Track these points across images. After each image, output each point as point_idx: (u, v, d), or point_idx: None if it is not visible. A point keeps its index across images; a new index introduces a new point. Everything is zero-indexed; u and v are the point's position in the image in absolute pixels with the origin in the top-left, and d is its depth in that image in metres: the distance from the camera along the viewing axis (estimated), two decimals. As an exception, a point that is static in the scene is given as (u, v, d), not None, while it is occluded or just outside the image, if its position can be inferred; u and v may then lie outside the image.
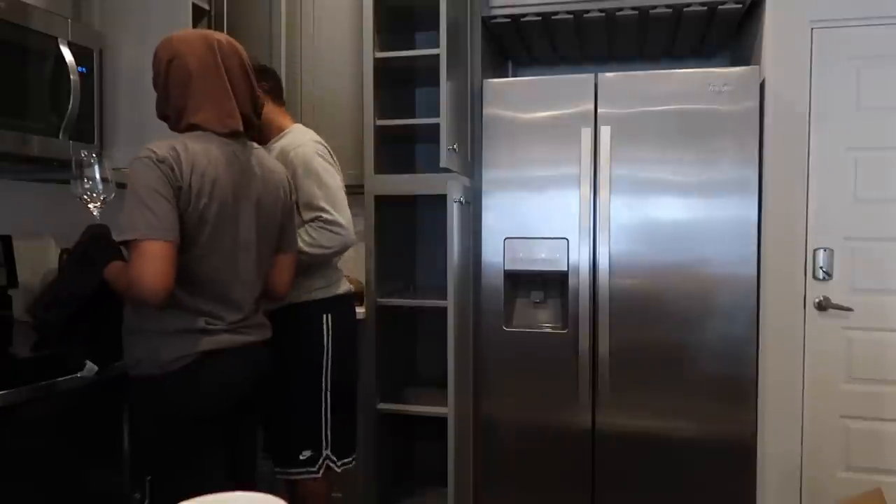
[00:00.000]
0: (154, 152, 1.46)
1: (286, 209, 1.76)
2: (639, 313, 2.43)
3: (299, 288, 2.00)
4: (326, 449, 2.06)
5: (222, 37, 1.64)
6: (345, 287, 2.17)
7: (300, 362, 2.03)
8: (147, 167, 1.45)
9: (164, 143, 1.50)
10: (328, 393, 2.04)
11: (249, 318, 1.66)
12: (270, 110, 2.06)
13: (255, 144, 1.75)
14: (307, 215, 1.99)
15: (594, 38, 2.82)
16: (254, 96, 1.67)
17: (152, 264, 1.41)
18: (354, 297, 2.24)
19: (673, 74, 2.41)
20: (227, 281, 1.59)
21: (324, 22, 2.80)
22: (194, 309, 1.55)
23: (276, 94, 2.16)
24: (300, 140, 2.05)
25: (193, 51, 1.57)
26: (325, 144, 2.12)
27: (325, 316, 2.04)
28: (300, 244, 1.91)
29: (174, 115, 1.61)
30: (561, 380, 2.50)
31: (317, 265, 2.05)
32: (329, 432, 2.06)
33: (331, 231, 1.98)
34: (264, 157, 1.74)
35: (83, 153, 1.88)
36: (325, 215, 1.98)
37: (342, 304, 2.12)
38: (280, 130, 2.12)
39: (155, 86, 1.64)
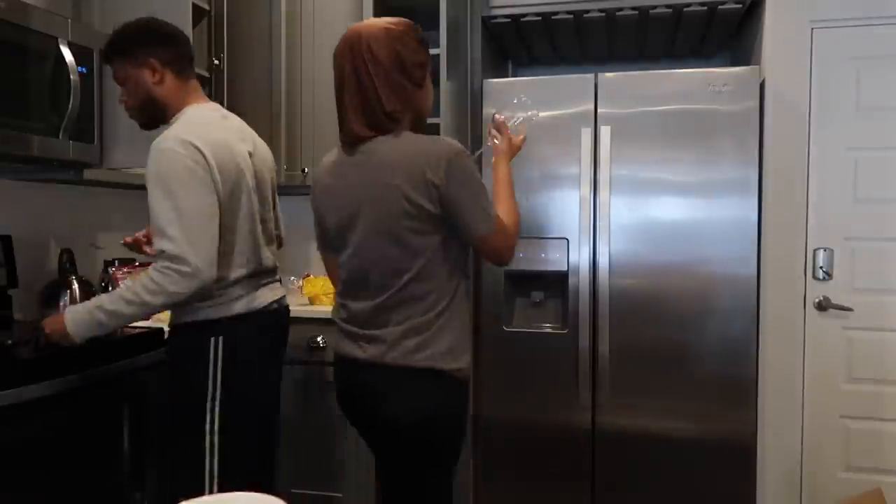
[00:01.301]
0: None
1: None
2: (639, 313, 2.43)
3: (184, 305, 1.62)
4: None
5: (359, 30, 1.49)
6: (259, 301, 1.72)
7: (174, 397, 1.69)
8: None
9: None
10: (215, 435, 1.64)
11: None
12: (170, 87, 1.69)
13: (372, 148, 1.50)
14: (154, 244, 1.57)
15: (594, 38, 2.82)
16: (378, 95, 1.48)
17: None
18: (283, 314, 1.84)
19: (673, 74, 2.41)
20: None
21: (324, 22, 2.80)
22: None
23: (177, 66, 1.71)
24: (173, 132, 1.60)
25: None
26: (222, 140, 1.64)
27: (212, 340, 1.63)
28: (140, 290, 1.53)
29: None
30: (561, 380, 2.50)
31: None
32: (216, 480, 1.64)
33: (176, 272, 1.51)
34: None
35: None
36: (168, 247, 1.52)
37: (246, 326, 1.68)
38: (177, 112, 1.71)
39: None
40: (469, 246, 1.54)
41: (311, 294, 2.78)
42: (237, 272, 1.68)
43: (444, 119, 2.21)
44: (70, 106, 2.06)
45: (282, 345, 1.86)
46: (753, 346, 2.39)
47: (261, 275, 1.76)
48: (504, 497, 2.57)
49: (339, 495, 2.64)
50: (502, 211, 1.58)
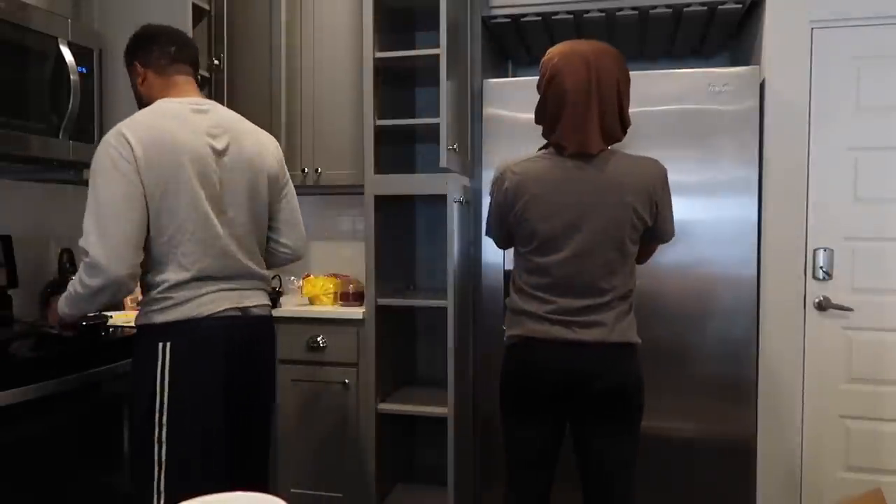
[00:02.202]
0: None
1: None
2: (638, 313, 2.42)
3: (141, 306, 1.67)
4: None
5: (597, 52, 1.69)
6: (209, 308, 1.64)
7: (131, 402, 1.68)
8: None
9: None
10: (163, 446, 1.59)
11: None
12: (151, 84, 1.75)
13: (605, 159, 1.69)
14: None
15: (594, 38, 2.82)
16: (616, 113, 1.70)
17: None
18: (249, 323, 1.74)
19: (673, 74, 2.41)
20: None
21: (324, 22, 2.80)
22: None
23: (157, 64, 1.74)
24: (120, 124, 1.61)
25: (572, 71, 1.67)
26: (164, 133, 1.60)
27: (160, 345, 1.60)
28: (74, 279, 1.58)
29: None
30: (561, 380, 2.49)
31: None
32: (162, 496, 1.59)
33: (86, 264, 1.52)
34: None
35: None
36: (81, 241, 1.53)
37: (194, 332, 1.62)
38: None
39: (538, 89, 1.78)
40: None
41: (311, 294, 2.78)
42: (180, 275, 1.61)
43: (443, 119, 2.21)
44: (70, 106, 2.06)
45: (250, 355, 1.73)
46: (753, 346, 2.38)
47: (221, 279, 1.67)
48: (504, 497, 2.57)
49: (340, 495, 2.64)
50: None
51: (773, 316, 2.41)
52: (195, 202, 1.61)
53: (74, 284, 1.56)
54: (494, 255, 2.56)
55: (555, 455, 1.81)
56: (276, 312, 2.64)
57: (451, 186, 2.32)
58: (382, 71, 2.64)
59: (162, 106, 1.67)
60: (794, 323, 2.40)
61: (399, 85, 2.90)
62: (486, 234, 1.92)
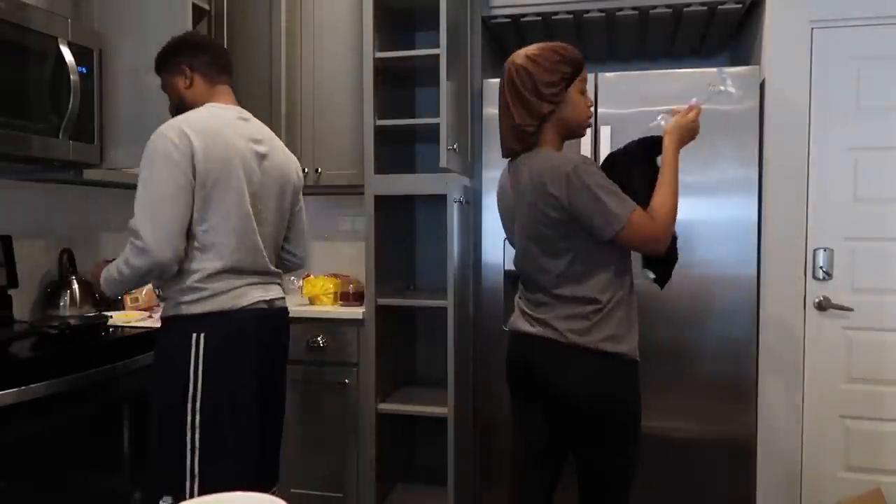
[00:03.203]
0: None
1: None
2: (639, 313, 2.42)
3: (170, 299, 1.73)
4: (194, 496, 1.63)
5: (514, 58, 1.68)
6: (245, 299, 1.73)
7: (158, 391, 1.71)
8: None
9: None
10: (196, 431, 1.65)
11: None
12: (198, 90, 1.84)
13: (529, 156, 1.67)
14: None
15: (594, 38, 2.82)
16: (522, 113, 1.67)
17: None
18: (276, 314, 1.85)
19: (673, 74, 2.41)
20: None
21: (324, 22, 2.80)
22: None
23: (206, 71, 1.85)
24: (175, 119, 1.71)
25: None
26: (218, 131, 1.71)
27: (193, 336, 1.66)
28: (119, 259, 1.66)
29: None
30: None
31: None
32: (196, 479, 1.65)
33: (134, 246, 1.61)
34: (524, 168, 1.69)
35: None
36: (132, 222, 1.62)
37: (229, 323, 1.70)
38: None
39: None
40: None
41: (311, 294, 2.78)
42: (216, 263, 1.69)
43: (444, 119, 2.21)
44: (70, 106, 2.06)
45: (274, 345, 1.85)
46: (753, 345, 2.39)
47: (251, 273, 1.77)
48: (503, 497, 2.57)
49: (340, 495, 2.64)
50: (656, 198, 1.61)
51: (773, 316, 2.40)
52: (241, 197, 1.72)
53: (120, 267, 1.64)
54: (494, 255, 2.56)
55: (550, 455, 1.75)
56: (276, 312, 2.65)
57: (451, 186, 2.32)
58: (382, 71, 2.64)
59: (212, 110, 1.78)
60: (794, 323, 2.40)
61: (399, 85, 2.90)
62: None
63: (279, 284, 1.91)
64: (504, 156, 1.75)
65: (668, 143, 1.68)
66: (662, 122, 1.73)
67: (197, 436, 1.65)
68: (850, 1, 2.34)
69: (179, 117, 1.71)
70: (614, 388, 1.63)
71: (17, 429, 1.64)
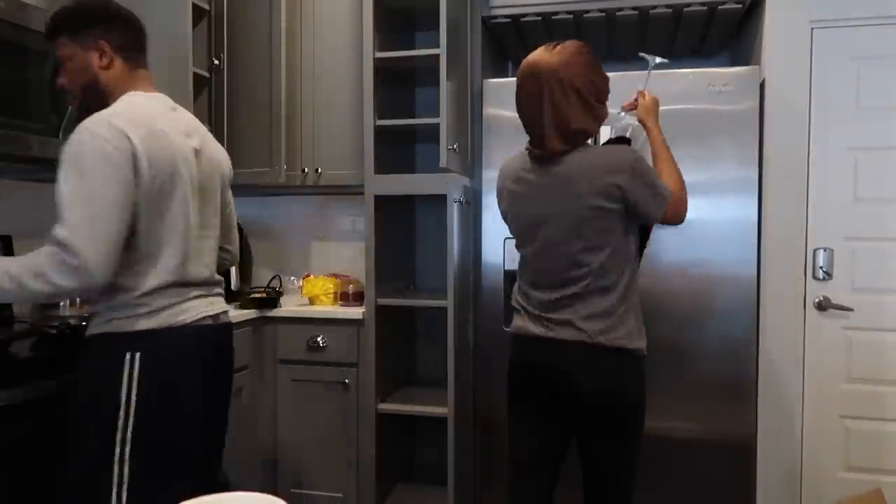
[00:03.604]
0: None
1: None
2: (639, 313, 2.43)
3: (98, 315, 1.51)
4: None
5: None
6: (188, 315, 1.53)
7: (80, 420, 1.50)
8: None
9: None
10: (124, 464, 1.45)
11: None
12: (117, 72, 1.56)
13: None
14: (54, 228, 1.37)
15: (594, 38, 2.82)
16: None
17: None
18: (220, 331, 1.64)
19: (673, 74, 2.41)
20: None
21: (324, 22, 2.80)
22: None
23: (128, 52, 1.58)
24: (104, 113, 1.44)
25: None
26: (159, 131, 1.48)
27: (127, 356, 1.45)
28: (23, 271, 1.36)
29: None
30: (561, 380, 2.49)
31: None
32: None
33: (63, 262, 1.34)
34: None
35: None
36: (62, 234, 1.34)
37: (171, 341, 1.49)
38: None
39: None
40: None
41: (311, 294, 2.78)
42: (160, 279, 1.48)
43: (444, 119, 2.21)
44: (70, 106, 2.05)
45: (219, 367, 1.65)
46: (753, 345, 2.39)
47: (192, 286, 1.57)
48: (503, 497, 2.57)
49: (340, 495, 2.64)
50: (665, 175, 1.77)
51: (773, 316, 2.41)
52: (185, 207, 1.52)
53: (30, 283, 1.34)
54: (494, 255, 2.56)
55: (550, 459, 1.79)
56: (276, 313, 2.65)
57: (451, 186, 2.32)
58: (382, 71, 2.64)
59: (141, 101, 1.52)
60: (794, 323, 2.40)
61: (399, 85, 2.90)
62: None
63: (222, 295, 1.71)
64: (542, 157, 1.71)
65: (650, 126, 1.88)
66: (631, 120, 1.96)
67: (126, 469, 1.44)
68: (850, 1, 2.34)
69: (106, 111, 1.44)
70: (637, 384, 1.73)
71: (16, 429, 1.64)
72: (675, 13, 2.53)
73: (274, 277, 3.08)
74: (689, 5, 2.47)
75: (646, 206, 1.66)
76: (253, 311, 2.58)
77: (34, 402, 1.67)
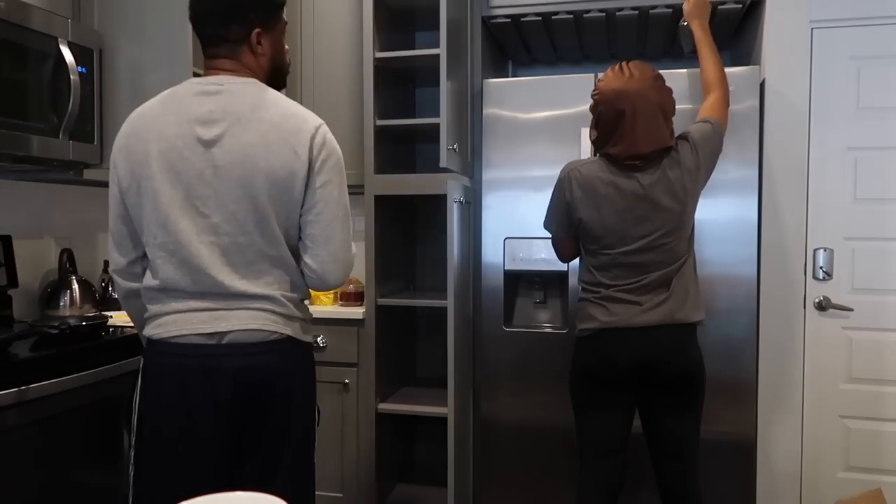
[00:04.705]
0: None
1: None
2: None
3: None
4: None
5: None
6: (165, 330, 1.39)
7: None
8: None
9: None
10: (136, 452, 1.46)
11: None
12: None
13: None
14: None
15: (594, 38, 2.82)
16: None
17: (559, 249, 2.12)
18: (221, 355, 1.38)
19: (673, 74, 2.40)
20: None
21: (324, 22, 2.80)
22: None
23: (202, 42, 1.51)
24: None
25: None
26: (147, 121, 1.43)
27: (141, 361, 1.46)
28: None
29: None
30: (561, 380, 2.49)
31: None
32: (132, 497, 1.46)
33: None
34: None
35: None
36: None
37: (155, 355, 1.41)
38: None
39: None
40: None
41: (312, 294, 2.78)
42: (151, 280, 1.42)
43: (444, 119, 2.21)
44: (70, 106, 2.06)
45: (233, 392, 1.37)
46: (753, 345, 2.38)
47: (192, 296, 1.39)
48: (504, 497, 2.57)
49: (340, 495, 2.64)
50: (708, 69, 2.13)
51: (773, 316, 2.41)
52: (156, 201, 1.37)
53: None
54: (494, 255, 2.56)
55: (627, 439, 1.98)
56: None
57: (451, 186, 2.32)
58: (382, 71, 2.64)
59: (172, 89, 1.45)
60: (794, 323, 2.40)
61: (399, 85, 2.90)
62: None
63: (259, 310, 1.40)
64: (639, 164, 1.88)
65: (695, 26, 2.17)
66: (684, 23, 2.23)
67: (131, 468, 1.47)
68: (850, 1, 2.34)
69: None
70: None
71: (17, 429, 1.64)
72: (676, 13, 2.53)
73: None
74: (689, 5, 2.46)
75: (715, 154, 1.99)
76: (253, 311, 2.58)
77: (34, 403, 1.67)
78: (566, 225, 2.01)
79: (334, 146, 1.46)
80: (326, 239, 1.43)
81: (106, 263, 2.61)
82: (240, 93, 1.41)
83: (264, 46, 1.48)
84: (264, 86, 1.46)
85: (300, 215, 1.42)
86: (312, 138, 1.41)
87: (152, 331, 1.41)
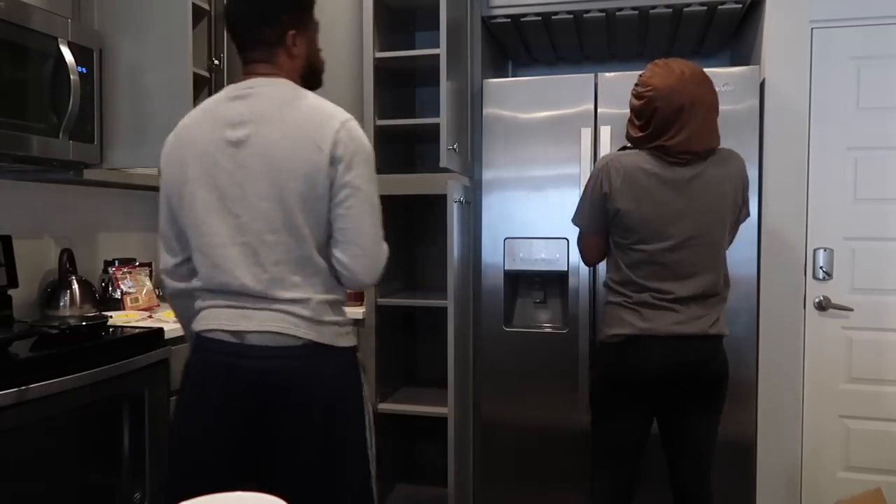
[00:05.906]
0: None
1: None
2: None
3: None
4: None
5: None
6: (201, 324, 1.45)
7: None
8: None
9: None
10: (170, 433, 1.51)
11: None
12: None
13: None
14: None
15: (594, 38, 2.82)
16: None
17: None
18: (242, 354, 1.39)
19: (673, 74, 2.40)
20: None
21: (324, 22, 2.79)
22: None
23: (237, 48, 1.53)
24: None
25: None
26: (185, 126, 1.49)
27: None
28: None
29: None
30: (561, 380, 2.49)
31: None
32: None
33: None
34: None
35: None
36: None
37: (194, 348, 1.48)
38: None
39: None
40: None
41: (311, 294, 2.78)
42: (197, 284, 1.47)
43: (444, 119, 2.21)
44: (70, 106, 2.05)
45: (251, 392, 1.38)
46: (753, 345, 2.39)
47: (219, 294, 1.43)
48: (504, 497, 2.57)
49: (339, 495, 2.64)
50: None
51: (773, 316, 2.41)
52: (194, 205, 1.41)
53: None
54: (494, 255, 2.56)
55: (644, 444, 1.96)
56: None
57: (451, 186, 2.32)
58: (382, 71, 2.64)
59: (217, 94, 1.49)
60: (794, 323, 2.40)
61: (399, 85, 2.90)
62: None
63: (278, 311, 1.39)
64: (689, 159, 1.83)
65: None
66: None
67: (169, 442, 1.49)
68: (850, 1, 2.34)
69: None
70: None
71: (16, 429, 1.64)
72: (675, 13, 2.53)
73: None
74: (689, 5, 2.47)
75: (737, 206, 1.90)
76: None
77: (34, 403, 1.67)
78: (598, 219, 1.91)
79: (362, 141, 1.44)
80: (356, 232, 1.43)
81: (105, 263, 2.61)
82: (269, 94, 1.43)
83: (300, 47, 1.52)
84: (296, 86, 1.47)
85: (329, 210, 1.41)
86: (337, 132, 1.39)
87: (194, 324, 1.48)
